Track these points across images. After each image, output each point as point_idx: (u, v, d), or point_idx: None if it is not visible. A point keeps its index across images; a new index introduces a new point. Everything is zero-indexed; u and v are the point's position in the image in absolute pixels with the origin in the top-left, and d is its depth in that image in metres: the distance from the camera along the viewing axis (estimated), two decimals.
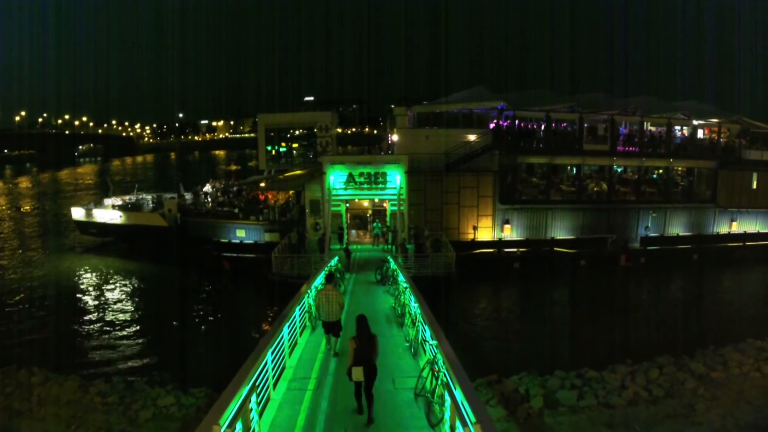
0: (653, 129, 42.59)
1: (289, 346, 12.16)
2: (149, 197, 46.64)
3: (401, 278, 17.95)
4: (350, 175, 32.98)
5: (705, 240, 39.91)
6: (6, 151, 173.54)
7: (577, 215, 38.06)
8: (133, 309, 30.36)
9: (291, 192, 39.04)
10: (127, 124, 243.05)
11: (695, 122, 43.26)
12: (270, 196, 39.56)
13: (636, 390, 19.87)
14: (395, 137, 38.56)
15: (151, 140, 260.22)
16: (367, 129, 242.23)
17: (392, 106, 58.96)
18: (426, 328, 11.01)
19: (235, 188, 46.03)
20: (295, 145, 45.83)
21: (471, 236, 36.21)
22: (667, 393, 20.12)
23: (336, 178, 33.19)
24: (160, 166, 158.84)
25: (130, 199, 47.05)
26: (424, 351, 11.77)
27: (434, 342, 9.55)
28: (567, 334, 26.76)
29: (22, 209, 72.15)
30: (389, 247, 33.69)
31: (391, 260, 23.67)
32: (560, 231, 37.79)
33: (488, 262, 35.24)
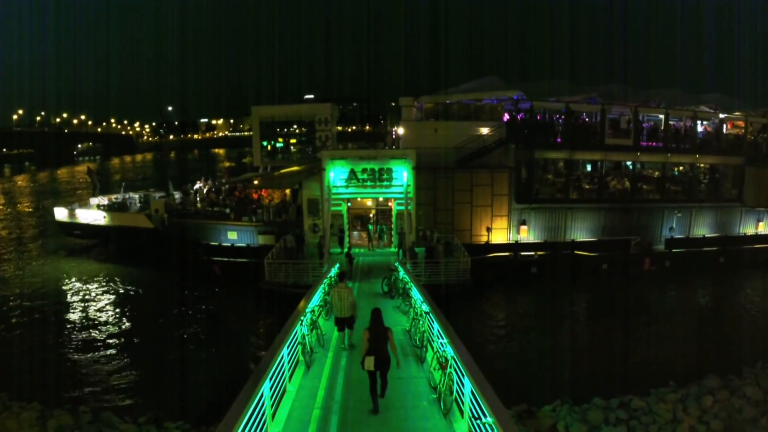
0: (672, 123, 39.62)
1: (273, 403, 8.95)
2: (137, 196, 43.57)
3: (416, 294, 14.81)
4: (352, 172, 29.89)
5: (731, 242, 37.20)
6: (5, 150, 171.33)
7: (598, 215, 35.08)
8: (110, 323, 27.22)
9: (287, 190, 35.93)
10: (126, 122, 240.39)
11: (722, 116, 40.16)
12: (264, 195, 36.43)
13: (692, 423, 16.91)
14: (401, 130, 35.41)
15: (150, 139, 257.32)
16: (368, 127, 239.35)
17: (393, 105, 55.74)
18: (466, 381, 7.83)
19: (227, 186, 42.88)
20: (293, 141, 42.80)
21: (485, 238, 33.17)
22: (726, 426, 17.22)
23: (336, 174, 30.10)
24: (159, 165, 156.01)
25: (116, 198, 44.02)
26: (461, 411, 8.62)
27: (489, 418, 6.31)
28: (596, 351, 23.85)
29: (12, 209, 69.15)
30: (394, 249, 30.74)
31: (400, 268, 20.50)
32: (580, 232, 34.79)
33: (503, 266, 32.19)
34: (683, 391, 19.52)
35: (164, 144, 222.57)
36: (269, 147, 41.25)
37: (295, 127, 42.65)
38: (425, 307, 12.75)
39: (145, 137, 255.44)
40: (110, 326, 26.57)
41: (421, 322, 12.86)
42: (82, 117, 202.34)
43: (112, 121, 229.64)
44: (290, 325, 10.84)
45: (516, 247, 33.11)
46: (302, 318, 12.09)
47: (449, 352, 9.28)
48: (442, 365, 9.66)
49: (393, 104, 48.49)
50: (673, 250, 35.54)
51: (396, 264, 22.63)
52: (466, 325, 24.95)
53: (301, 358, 11.97)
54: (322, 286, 16.62)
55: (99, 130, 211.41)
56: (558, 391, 19.01)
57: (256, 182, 37.35)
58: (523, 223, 33.48)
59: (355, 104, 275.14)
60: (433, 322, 11.59)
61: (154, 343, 24.67)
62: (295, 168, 35.49)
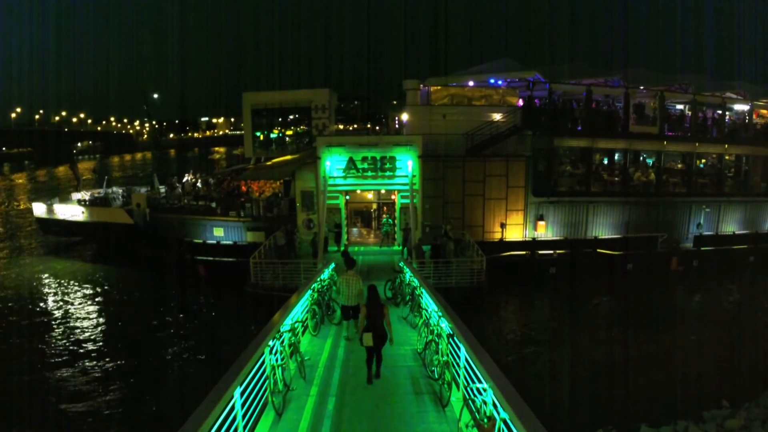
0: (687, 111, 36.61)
1: None
2: (120, 191, 40.43)
3: (430, 303, 11.52)
4: (351, 160, 26.63)
5: (762, 239, 34.09)
6: (4, 149, 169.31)
7: (622, 210, 31.89)
8: (75, 332, 23.95)
9: (279, 182, 32.68)
10: (126, 121, 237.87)
11: (750, 104, 36.94)
12: (255, 188, 33.17)
13: None
14: (405, 116, 32.11)
15: (149, 138, 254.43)
16: (369, 125, 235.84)
17: (395, 102, 52.36)
18: None
19: (216, 177, 39.61)
20: (289, 132, 39.55)
21: (498, 235, 29.92)
22: None
23: (333, 163, 26.85)
24: (158, 162, 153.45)
25: (98, 193, 40.89)
26: None
27: None
28: (630, 364, 20.68)
29: (2, 206, 66.21)
30: (398, 248, 27.55)
31: (406, 269, 17.24)
32: (603, 229, 31.57)
33: (519, 266, 28.94)
34: (743, 413, 16.43)
35: (170, 141, 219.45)
36: (262, 137, 37.99)
37: (291, 117, 39.49)
38: (444, 324, 9.31)
39: (145, 136, 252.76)
40: (75, 335, 23.38)
41: (440, 346, 9.37)
42: (81, 115, 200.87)
43: (112, 119, 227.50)
44: (251, 352, 7.45)
45: (533, 245, 29.86)
46: (271, 343, 8.60)
47: (490, 401, 5.92)
48: (482, 428, 6.07)
49: (395, 102, 45.06)
50: (702, 249, 32.40)
51: (401, 264, 19.44)
52: (478, 335, 21.74)
53: (271, 399, 8.46)
54: (309, 291, 13.38)
55: (99, 128, 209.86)
56: (596, 416, 15.90)
57: (245, 173, 34.06)
58: (541, 218, 30.24)
59: (356, 102, 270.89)
60: (458, 348, 8.27)
61: (123, 356, 21.44)
62: (288, 157, 32.25)
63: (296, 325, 10.40)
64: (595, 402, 17.23)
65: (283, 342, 9.38)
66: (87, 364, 20.55)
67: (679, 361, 21.04)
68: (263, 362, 8.19)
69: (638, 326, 24.59)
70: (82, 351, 21.68)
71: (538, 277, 28.98)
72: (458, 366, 8.33)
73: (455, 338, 8.46)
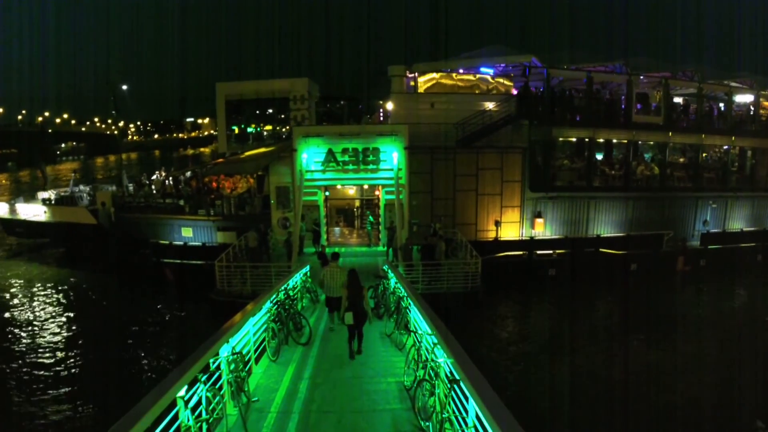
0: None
1: None
2: (86, 189, 37.70)
3: (421, 323, 8.87)
4: (330, 152, 24.07)
5: None
6: None
7: (625, 206, 29.74)
8: (24, 345, 21.31)
9: (252, 178, 30.10)
10: (110, 122, 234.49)
11: (759, 92, 34.85)
12: (228, 186, 30.56)
13: None
14: (390, 105, 29.64)
15: (135, 138, 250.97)
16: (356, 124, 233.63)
17: (381, 102, 49.62)
18: None
19: (188, 174, 36.90)
20: (268, 127, 37.01)
21: (493, 234, 27.58)
22: None
23: (311, 156, 24.29)
24: (143, 162, 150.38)
25: (65, 192, 38.16)
26: None
27: None
28: (643, 376, 18.39)
29: None
30: (382, 249, 25.10)
31: (391, 274, 14.70)
32: (605, 227, 29.41)
33: (516, 268, 26.61)
34: None
35: (155, 141, 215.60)
36: (237, 131, 35.36)
37: (270, 111, 36.95)
38: (442, 359, 6.49)
39: (130, 136, 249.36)
40: (22, 350, 20.67)
41: (437, 390, 6.61)
42: (65, 116, 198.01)
43: (96, 120, 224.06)
44: (149, 403, 4.83)
45: (531, 244, 27.53)
46: (184, 393, 5.70)
47: None
48: None
49: (381, 102, 42.22)
50: (709, 247, 30.31)
51: (385, 268, 16.94)
52: (472, 345, 19.29)
53: None
54: (268, 304, 10.85)
55: (83, 129, 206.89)
56: None
57: (211, 167, 31.41)
58: (539, 215, 27.94)
59: (342, 102, 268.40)
60: (466, 399, 5.44)
61: (78, 374, 18.78)
62: (262, 150, 29.65)
63: (236, 357, 7.69)
64: (602, 421, 14.97)
65: (216, 382, 6.84)
66: (34, 379, 17.93)
67: (694, 372, 18.88)
68: (177, 415, 5.65)
69: (646, 333, 22.41)
70: (27, 369, 19.02)
71: (536, 280, 26.75)
72: (465, 424, 5.61)
73: (461, 385, 5.70)
